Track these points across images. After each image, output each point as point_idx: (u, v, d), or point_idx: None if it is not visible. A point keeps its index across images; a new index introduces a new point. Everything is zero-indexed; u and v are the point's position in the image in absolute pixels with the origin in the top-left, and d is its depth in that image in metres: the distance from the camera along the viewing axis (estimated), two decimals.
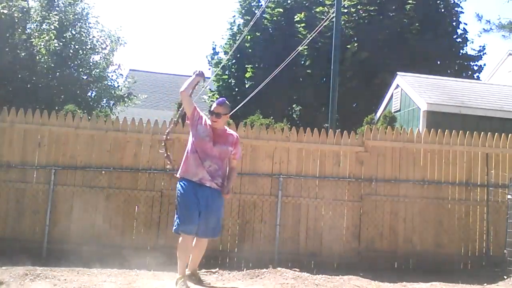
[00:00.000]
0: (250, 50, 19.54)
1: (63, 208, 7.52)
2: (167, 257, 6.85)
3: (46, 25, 14.85)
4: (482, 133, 8.11)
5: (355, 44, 17.48)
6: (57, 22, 14.68)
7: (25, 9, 14.51)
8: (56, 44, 14.23)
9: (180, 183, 5.36)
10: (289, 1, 19.85)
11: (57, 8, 15.44)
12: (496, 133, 8.15)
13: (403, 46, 17.63)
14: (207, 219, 5.29)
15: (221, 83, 20.66)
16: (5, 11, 13.70)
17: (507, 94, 13.44)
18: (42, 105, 11.09)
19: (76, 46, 15.22)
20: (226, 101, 5.58)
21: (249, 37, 19.45)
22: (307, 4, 19.40)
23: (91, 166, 7.61)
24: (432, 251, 7.75)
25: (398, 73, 13.98)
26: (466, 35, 19.95)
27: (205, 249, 5.59)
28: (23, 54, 13.90)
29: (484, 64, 25.73)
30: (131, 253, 7.32)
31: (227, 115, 5.53)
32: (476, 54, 19.92)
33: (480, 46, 20.07)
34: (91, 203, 7.55)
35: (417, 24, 18.01)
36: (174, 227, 5.39)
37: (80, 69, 15.32)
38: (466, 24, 19.84)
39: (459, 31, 19.83)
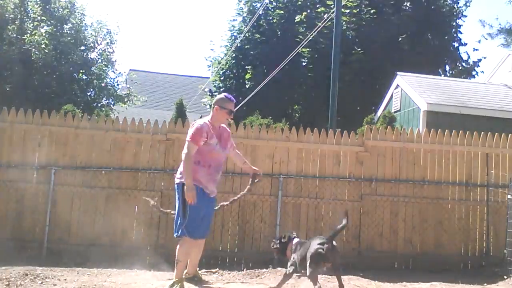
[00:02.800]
0: (250, 51, 19.54)
1: (63, 208, 7.51)
2: (167, 257, 6.85)
3: (42, 23, 14.84)
4: (482, 133, 8.10)
5: (359, 50, 17.50)
6: (48, 16, 14.66)
7: (21, 8, 14.52)
8: (52, 40, 14.20)
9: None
10: (287, 3, 19.85)
11: (52, 6, 15.40)
12: (496, 133, 8.15)
13: (402, 49, 17.67)
14: (210, 220, 5.39)
15: (220, 84, 20.65)
16: (6, 12, 13.72)
17: (507, 94, 13.44)
18: (41, 104, 11.08)
19: (72, 41, 15.17)
20: None
21: (249, 37, 19.45)
22: (308, 4, 19.40)
23: (91, 166, 7.61)
24: (432, 251, 7.75)
25: (398, 73, 13.99)
26: (463, 39, 20.11)
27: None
28: (19, 51, 13.89)
29: (482, 72, 25.86)
30: (131, 253, 7.32)
31: None
32: (472, 64, 20.02)
33: (477, 58, 20.25)
34: (91, 203, 7.55)
35: (416, 28, 18.05)
36: (180, 231, 5.09)
37: (76, 65, 15.28)
38: (461, 28, 19.89)
39: (458, 34, 19.93)
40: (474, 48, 19.00)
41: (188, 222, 5.03)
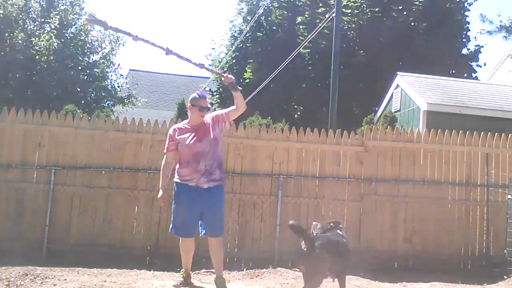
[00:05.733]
0: (251, 51, 19.53)
1: (63, 208, 7.51)
2: (167, 257, 6.86)
3: (46, 25, 14.87)
4: (482, 133, 8.10)
5: (361, 52, 17.48)
6: (57, 22, 14.70)
7: (23, 8, 14.52)
8: (56, 44, 14.24)
9: (176, 186, 5.32)
10: (288, 3, 19.85)
11: (57, 8, 15.45)
12: (496, 133, 8.15)
13: (405, 47, 17.64)
14: (210, 217, 5.20)
15: (221, 83, 20.64)
16: (1, 11, 13.72)
17: (507, 94, 13.44)
18: (42, 105, 11.08)
19: (76, 46, 15.21)
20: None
21: (250, 37, 19.46)
22: (310, 3, 19.39)
23: (91, 166, 7.60)
24: (432, 251, 7.74)
25: (398, 73, 13.99)
26: (469, 35, 20.01)
27: (222, 248, 5.38)
28: (22, 54, 13.90)
29: (485, 64, 25.68)
30: (131, 253, 7.32)
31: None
32: (472, 53, 19.96)
33: (476, 46, 20.11)
34: (91, 203, 7.55)
35: (424, 24, 17.99)
36: (170, 227, 5.45)
37: (79, 67, 15.31)
38: (469, 23, 19.89)
39: (464, 32, 19.87)
40: (477, 45, 19.20)
41: (172, 220, 5.36)
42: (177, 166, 5.33)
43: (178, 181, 5.29)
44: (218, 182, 5.25)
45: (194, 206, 5.17)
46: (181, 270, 5.54)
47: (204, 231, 5.23)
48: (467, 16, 20.06)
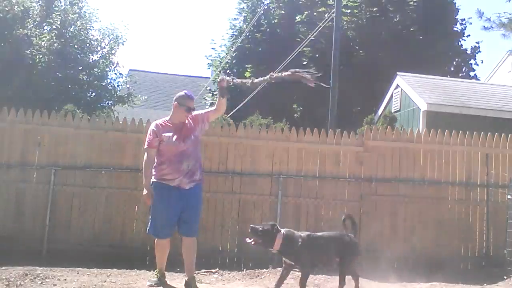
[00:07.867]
0: (251, 51, 19.54)
1: (63, 208, 7.51)
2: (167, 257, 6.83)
3: (46, 25, 14.86)
4: (482, 133, 8.10)
5: (360, 52, 17.49)
6: (58, 22, 14.70)
7: (23, 9, 14.53)
8: (57, 43, 14.25)
9: (155, 186, 5.19)
10: (288, 3, 19.87)
11: (56, 8, 15.44)
12: (496, 133, 8.15)
13: (404, 47, 17.64)
14: (189, 217, 5.16)
15: None
16: (7, 8, 13.72)
17: (507, 94, 13.45)
18: (42, 105, 11.09)
19: (76, 46, 15.23)
20: None
21: (250, 37, 19.47)
22: (309, 4, 19.41)
23: (91, 166, 7.60)
24: (432, 251, 7.74)
25: (398, 73, 13.99)
26: (464, 31, 20.03)
27: (195, 248, 5.31)
28: (22, 54, 13.91)
29: (482, 62, 25.65)
30: (132, 253, 7.32)
31: None
32: (471, 51, 20.00)
33: (476, 43, 20.16)
34: (91, 203, 7.54)
35: (421, 23, 18.01)
36: (148, 228, 5.34)
37: (80, 68, 15.32)
38: (464, 21, 19.90)
39: (457, 28, 19.90)
40: (475, 43, 19.31)
41: (150, 221, 5.28)
42: (155, 165, 5.20)
43: (158, 180, 5.18)
44: (198, 182, 5.22)
45: (176, 207, 5.09)
46: (155, 270, 5.50)
47: (181, 230, 5.17)
48: (460, 7, 20.10)
